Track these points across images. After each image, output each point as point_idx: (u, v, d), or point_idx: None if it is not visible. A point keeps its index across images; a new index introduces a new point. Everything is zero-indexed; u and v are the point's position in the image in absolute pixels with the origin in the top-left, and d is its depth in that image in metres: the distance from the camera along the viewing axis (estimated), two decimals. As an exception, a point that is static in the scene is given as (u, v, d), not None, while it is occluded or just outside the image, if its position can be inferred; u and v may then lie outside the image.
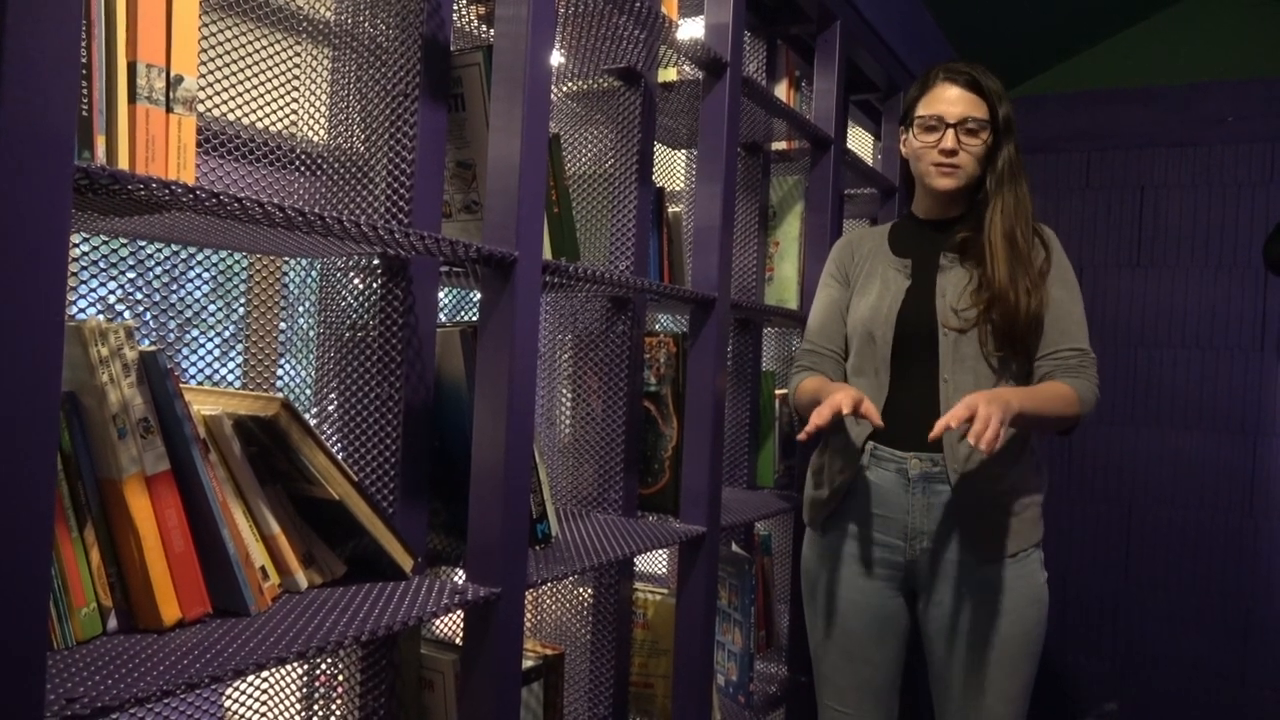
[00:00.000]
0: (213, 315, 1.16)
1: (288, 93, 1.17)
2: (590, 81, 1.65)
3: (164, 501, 0.89)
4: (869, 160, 2.79)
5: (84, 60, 0.77)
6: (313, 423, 1.23)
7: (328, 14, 1.20)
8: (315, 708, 1.23)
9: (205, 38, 1.05)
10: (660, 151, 2.06)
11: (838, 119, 2.11)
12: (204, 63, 1.05)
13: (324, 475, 1.00)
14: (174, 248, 1.10)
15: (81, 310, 1.01)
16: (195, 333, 1.14)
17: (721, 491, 1.67)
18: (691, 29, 1.73)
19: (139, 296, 1.07)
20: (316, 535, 1.09)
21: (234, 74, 1.10)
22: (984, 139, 1.60)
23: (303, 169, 1.18)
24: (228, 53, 1.09)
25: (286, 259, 1.24)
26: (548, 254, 1.30)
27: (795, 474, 2.18)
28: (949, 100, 1.60)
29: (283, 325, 1.24)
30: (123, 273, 1.05)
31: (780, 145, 2.19)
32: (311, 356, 1.25)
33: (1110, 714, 3.24)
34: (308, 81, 1.20)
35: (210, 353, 1.16)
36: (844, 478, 1.64)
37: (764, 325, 2.23)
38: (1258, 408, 3.13)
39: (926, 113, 1.62)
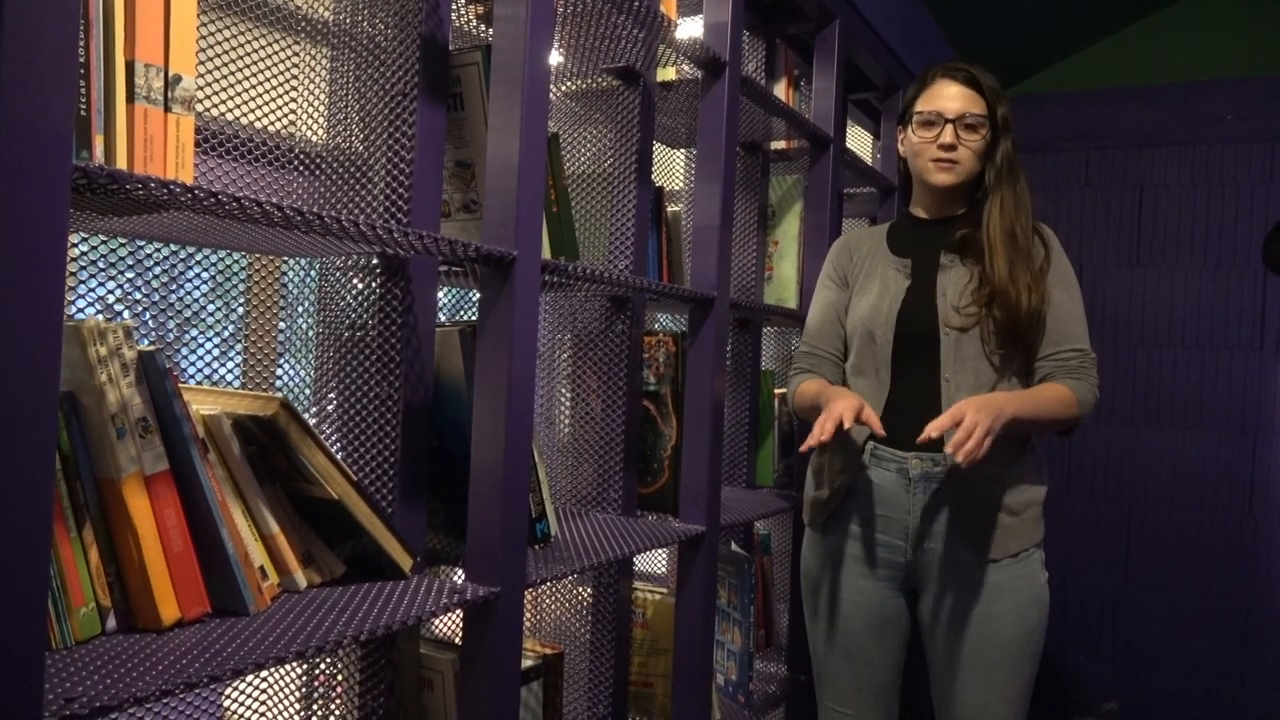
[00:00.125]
0: (212, 315, 1.16)
1: (286, 92, 1.17)
2: (589, 81, 1.65)
3: (163, 501, 0.89)
4: (868, 159, 2.79)
5: (82, 60, 0.77)
6: (312, 422, 1.23)
7: (326, 13, 1.20)
8: (314, 707, 1.23)
9: (203, 37, 1.05)
10: (659, 151, 2.06)
11: (837, 118, 2.11)
12: (202, 62, 1.05)
13: (323, 475, 1.00)
14: (173, 247, 1.10)
15: (80, 310, 1.01)
16: (194, 332, 1.14)
17: (721, 491, 1.67)
18: (690, 28, 1.73)
19: (138, 296, 1.07)
20: (315, 535, 1.09)
21: (232, 74, 1.10)
22: (983, 135, 1.60)
23: (301, 169, 1.18)
24: (226, 52, 1.09)
25: (285, 259, 1.24)
26: (547, 253, 1.30)
27: (794, 473, 2.18)
28: (948, 96, 1.60)
29: (282, 325, 1.24)
30: (121, 272, 1.05)
31: (779, 144, 2.19)
32: (311, 356, 1.25)
33: (1110, 714, 3.25)
34: (306, 81, 1.20)
35: (209, 352, 1.16)
36: (845, 478, 1.64)
37: (763, 324, 2.23)
38: (1257, 407, 3.13)
39: (925, 108, 1.62)
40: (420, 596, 1.06)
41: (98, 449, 0.86)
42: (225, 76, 1.09)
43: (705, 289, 1.61)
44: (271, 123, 1.15)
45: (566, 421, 1.70)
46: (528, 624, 1.70)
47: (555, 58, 1.57)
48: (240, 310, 1.21)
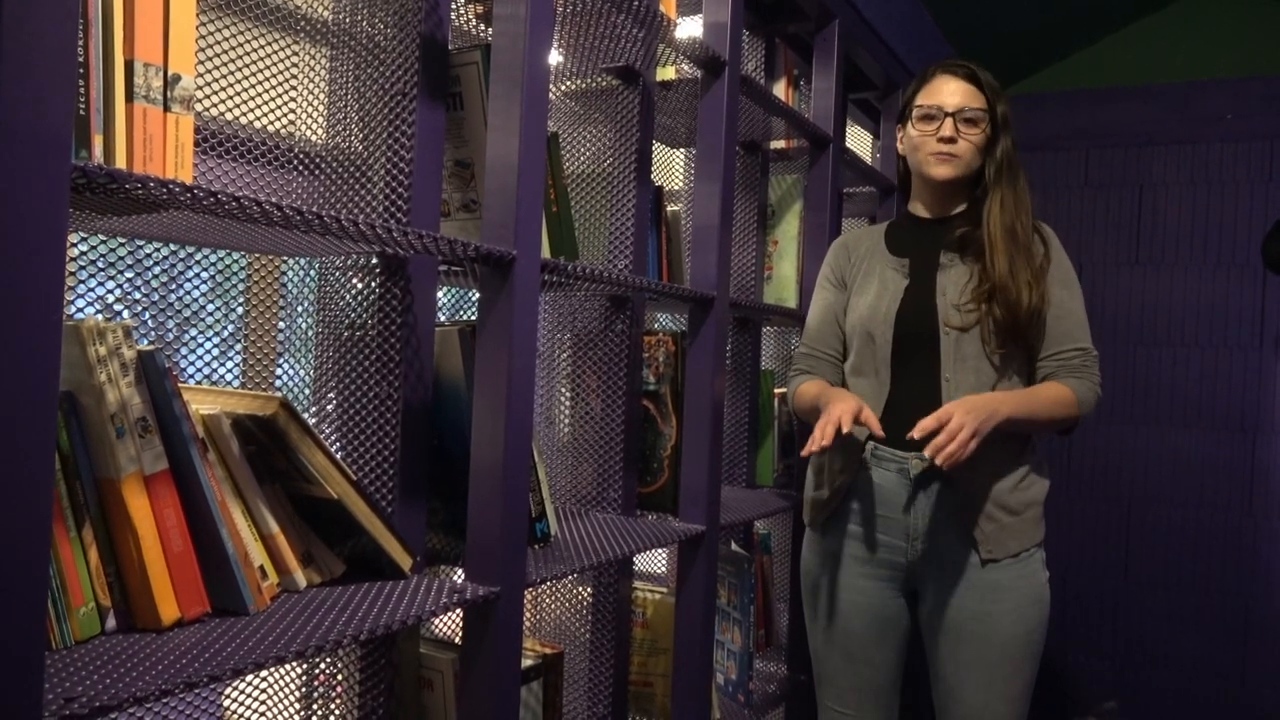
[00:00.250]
0: (211, 315, 1.16)
1: (285, 92, 1.17)
2: (589, 80, 1.65)
3: (162, 501, 0.88)
4: (867, 159, 2.79)
5: (81, 59, 0.77)
6: (311, 422, 1.23)
7: (325, 13, 1.20)
8: (314, 707, 1.23)
9: (202, 37, 1.05)
10: (659, 150, 2.06)
11: (836, 118, 2.11)
12: (201, 62, 1.05)
13: (323, 474, 1.00)
14: (172, 247, 1.10)
15: (80, 310, 1.01)
16: (194, 332, 1.14)
17: (720, 490, 1.67)
18: (690, 28, 1.73)
19: (138, 296, 1.07)
20: (315, 534, 1.09)
21: (232, 74, 1.09)
22: (982, 129, 1.60)
23: (301, 168, 1.18)
24: (226, 52, 1.09)
25: (285, 258, 1.24)
26: (546, 253, 1.30)
27: (794, 473, 2.18)
28: (948, 91, 1.60)
29: (281, 324, 1.24)
30: (121, 272, 1.05)
31: (779, 144, 2.19)
32: (310, 356, 1.25)
33: (1110, 713, 3.25)
34: (305, 81, 1.19)
35: (209, 352, 1.15)
36: (845, 478, 1.64)
37: (763, 324, 2.23)
38: (1257, 406, 3.13)
39: (925, 102, 1.62)
40: (420, 596, 1.06)
41: (97, 449, 0.86)
42: (225, 76, 1.09)
43: (705, 288, 1.61)
44: (271, 123, 1.15)
45: (566, 421, 1.70)
46: (528, 624, 1.70)
47: (555, 57, 1.57)
48: (240, 310, 1.21)
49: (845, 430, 1.42)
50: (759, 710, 1.93)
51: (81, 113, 0.77)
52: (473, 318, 1.51)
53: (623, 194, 1.64)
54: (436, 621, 1.43)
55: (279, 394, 1.15)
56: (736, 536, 2.15)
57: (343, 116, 1.21)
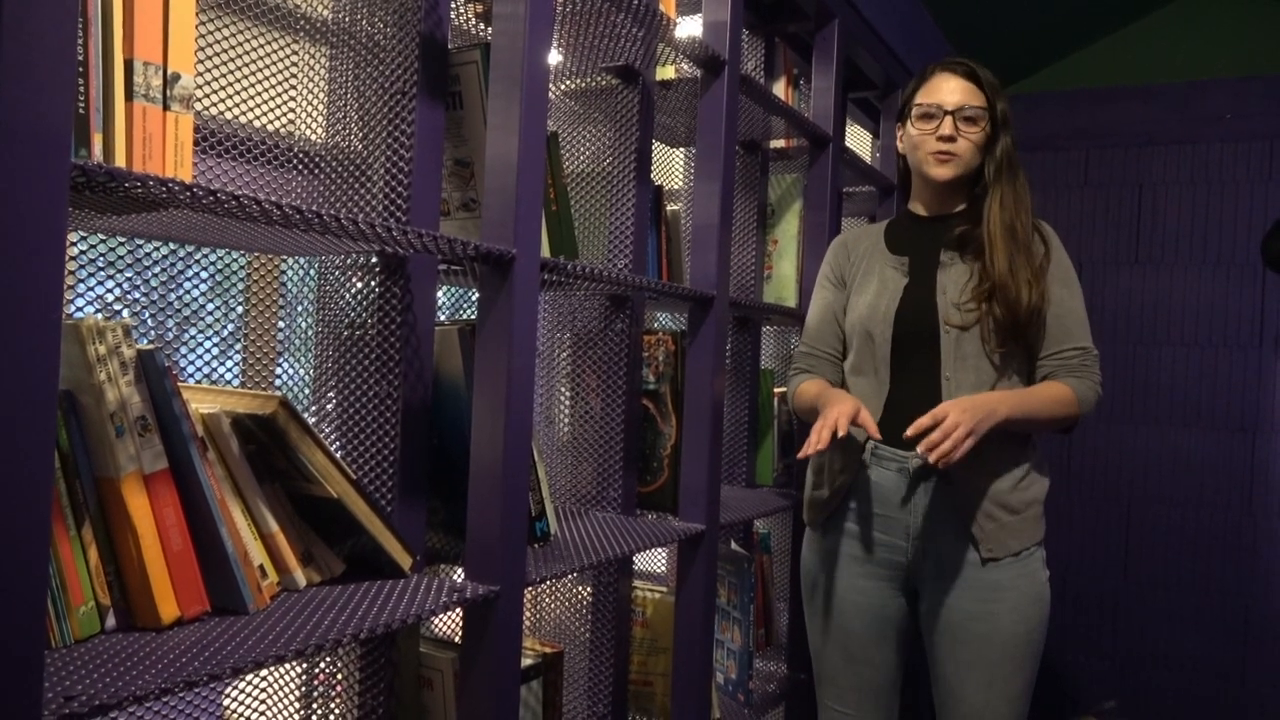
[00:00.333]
0: (211, 314, 1.16)
1: (285, 91, 1.17)
2: (588, 80, 1.65)
3: (162, 500, 0.88)
4: (867, 158, 2.79)
5: (81, 58, 0.77)
6: (311, 421, 1.23)
7: (325, 12, 1.20)
8: (314, 706, 1.23)
9: (202, 36, 1.05)
10: (658, 149, 2.06)
11: (836, 117, 2.11)
12: (201, 61, 1.05)
13: (322, 473, 1.00)
14: (172, 246, 1.10)
15: (80, 309, 1.01)
16: (194, 331, 1.14)
17: (720, 489, 1.67)
18: (689, 27, 1.73)
19: (137, 295, 1.07)
20: (315, 533, 1.09)
21: (231, 73, 1.09)
22: (982, 127, 1.60)
23: (300, 168, 1.18)
24: (225, 51, 1.09)
25: (285, 258, 1.24)
26: (546, 252, 1.30)
27: (794, 472, 2.18)
28: (947, 89, 1.60)
29: (281, 324, 1.24)
30: (120, 271, 1.04)
31: (779, 143, 2.19)
32: (310, 355, 1.25)
33: (1110, 712, 3.25)
34: (305, 80, 1.19)
35: (209, 351, 1.15)
36: (845, 477, 1.64)
37: (763, 323, 2.23)
38: (1256, 405, 3.13)
39: (924, 101, 1.62)
40: (420, 595, 1.06)
41: (97, 447, 0.86)
42: (224, 76, 1.09)
43: (704, 288, 1.61)
44: (270, 122, 1.15)
45: (566, 420, 1.70)
46: (527, 623, 1.70)
47: (554, 56, 1.57)
48: (239, 309, 1.21)
49: (841, 434, 1.42)
50: (759, 709, 1.93)
51: (81, 111, 0.77)
52: (472, 317, 1.51)
53: (622, 193, 1.64)
54: (436, 621, 1.43)
55: (279, 393, 1.15)
56: (736, 536, 2.15)
57: (342, 115, 1.21)
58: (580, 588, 1.70)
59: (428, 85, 1.18)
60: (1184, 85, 3.26)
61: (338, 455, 1.16)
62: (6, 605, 0.63)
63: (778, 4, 2.08)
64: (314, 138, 1.21)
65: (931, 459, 1.39)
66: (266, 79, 1.14)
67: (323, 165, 1.21)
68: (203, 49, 1.05)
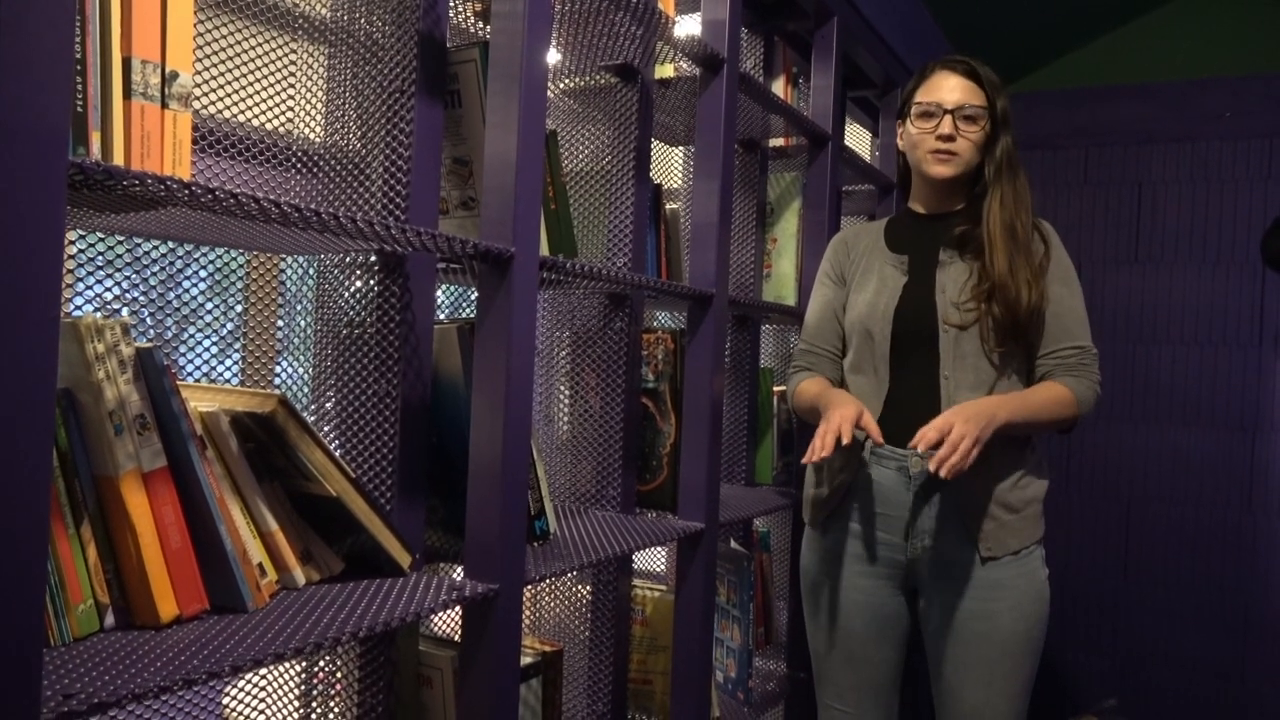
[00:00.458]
0: (210, 313, 1.16)
1: (283, 90, 1.17)
2: (587, 78, 1.65)
3: (161, 498, 0.88)
4: (866, 157, 2.79)
5: (79, 56, 0.77)
6: (310, 420, 1.23)
7: (323, 11, 1.20)
8: (313, 704, 1.23)
9: (200, 34, 1.05)
10: (657, 148, 2.06)
11: (835, 115, 2.10)
12: (199, 60, 1.05)
13: (322, 472, 1.00)
14: (171, 245, 1.10)
15: (78, 309, 1.01)
16: (193, 330, 1.14)
17: (720, 488, 1.67)
18: (688, 25, 1.72)
19: (136, 294, 1.07)
20: (314, 532, 1.09)
21: (230, 71, 1.09)
22: (982, 126, 1.59)
23: (299, 167, 1.18)
24: (223, 50, 1.09)
25: (284, 257, 1.24)
26: (545, 250, 1.30)
27: (793, 470, 2.18)
28: (947, 88, 1.60)
29: (280, 323, 1.24)
30: (119, 269, 1.04)
31: (778, 142, 2.19)
32: (309, 354, 1.25)
33: (1109, 710, 3.24)
34: (304, 79, 1.19)
35: (208, 350, 1.15)
36: (845, 476, 1.64)
37: (762, 322, 2.23)
38: (1256, 404, 3.13)
39: (924, 99, 1.62)
40: (419, 594, 1.06)
41: (95, 446, 0.86)
42: (222, 74, 1.09)
43: (704, 286, 1.61)
44: (269, 121, 1.15)
45: (565, 419, 1.70)
46: (527, 621, 1.70)
47: (553, 55, 1.57)
48: (239, 308, 1.21)
49: (845, 441, 1.42)
50: (758, 708, 1.93)
51: (79, 109, 0.77)
52: (471, 315, 1.51)
53: (621, 192, 1.64)
54: (436, 619, 1.44)
55: (278, 392, 1.15)
56: (736, 534, 2.15)
57: (341, 114, 1.21)
58: (580, 586, 1.70)
59: (426, 84, 1.18)
60: (1183, 84, 3.26)
61: (337, 454, 1.16)
62: (5, 604, 0.63)
63: (777, 2, 2.08)
64: (312, 136, 1.21)
65: (943, 474, 1.39)
66: (265, 78, 1.14)
67: (321, 164, 1.21)
68: (201, 48, 1.05)
